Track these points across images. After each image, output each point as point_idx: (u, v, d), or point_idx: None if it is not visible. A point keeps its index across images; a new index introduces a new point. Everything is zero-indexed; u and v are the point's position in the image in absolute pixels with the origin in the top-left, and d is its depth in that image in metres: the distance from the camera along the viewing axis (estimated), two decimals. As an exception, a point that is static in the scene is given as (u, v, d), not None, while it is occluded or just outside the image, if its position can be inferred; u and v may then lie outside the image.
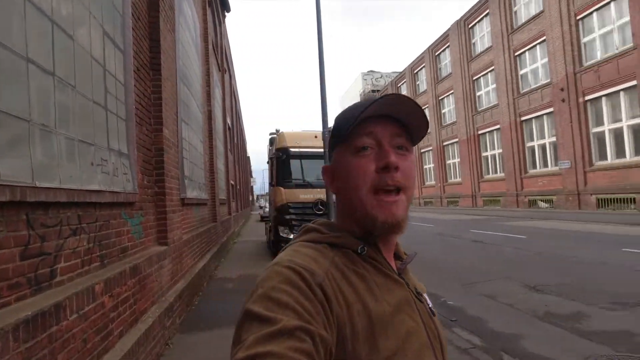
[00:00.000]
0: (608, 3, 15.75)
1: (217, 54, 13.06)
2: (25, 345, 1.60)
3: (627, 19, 14.91)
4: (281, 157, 9.10)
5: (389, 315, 0.56)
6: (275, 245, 9.05)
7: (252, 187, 55.33)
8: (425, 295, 0.71)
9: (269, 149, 11.20)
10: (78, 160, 2.44)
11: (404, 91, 36.03)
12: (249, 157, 49.30)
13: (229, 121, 16.77)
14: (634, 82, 14.68)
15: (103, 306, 2.41)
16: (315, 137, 9.14)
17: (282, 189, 8.93)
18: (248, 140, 54.34)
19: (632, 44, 14.70)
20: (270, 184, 9.64)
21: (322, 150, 7.39)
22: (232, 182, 16.96)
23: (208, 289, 6.00)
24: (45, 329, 1.76)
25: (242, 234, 17.00)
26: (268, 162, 10.55)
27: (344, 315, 0.53)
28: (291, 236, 8.71)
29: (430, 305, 0.69)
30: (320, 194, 8.69)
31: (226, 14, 16.95)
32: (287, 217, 8.75)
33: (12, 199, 1.72)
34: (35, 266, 1.92)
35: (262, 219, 24.60)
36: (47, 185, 2.00)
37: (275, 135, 10.26)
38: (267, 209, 23.28)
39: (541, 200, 19.72)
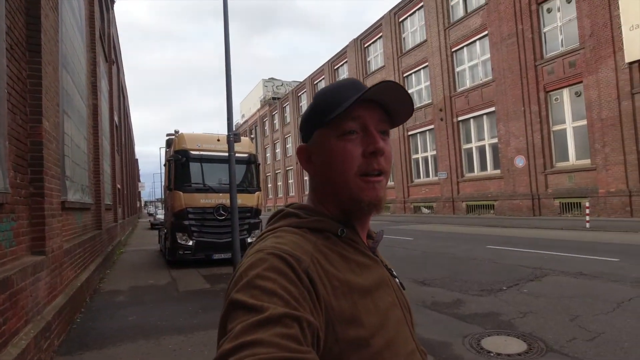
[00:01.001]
0: (474, 41, 18.80)
1: (104, 42, 11.74)
2: None
3: (488, 55, 17.95)
4: (180, 159, 8.56)
5: (371, 293, 0.59)
6: (171, 253, 8.43)
7: (140, 192, 50.52)
8: (394, 271, 0.75)
9: (166, 151, 10.42)
10: None
11: (304, 101, 37.17)
12: (137, 159, 45.03)
13: (116, 119, 15.14)
14: (492, 109, 17.69)
15: (-36, 328, 1.96)
16: (218, 140, 8.85)
17: (180, 193, 8.39)
18: (137, 141, 49.61)
19: (491, 77, 17.73)
20: (168, 188, 8.97)
21: (225, 153, 7.18)
22: (118, 186, 15.30)
23: (93, 305, 5.29)
24: None
25: (130, 242, 15.41)
26: (165, 165, 9.80)
27: (330, 299, 0.54)
28: (190, 242, 8.23)
29: (399, 281, 0.72)
30: (222, 199, 8.43)
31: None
32: (186, 222, 8.25)
33: None
34: None
35: (153, 227, 22.66)
36: None
37: (173, 137, 9.61)
38: (158, 216, 21.51)
39: (424, 207, 22.24)
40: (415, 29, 22.96)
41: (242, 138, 9.55)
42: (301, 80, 39.08)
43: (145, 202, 69.04)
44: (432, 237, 11.66)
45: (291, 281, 0.50)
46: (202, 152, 8.79)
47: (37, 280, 3.31)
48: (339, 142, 0.62)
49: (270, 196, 46.29)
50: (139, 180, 49.80)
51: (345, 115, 0.62)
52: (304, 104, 37.51)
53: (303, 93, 37.38)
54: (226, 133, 7.34)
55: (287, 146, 41.35)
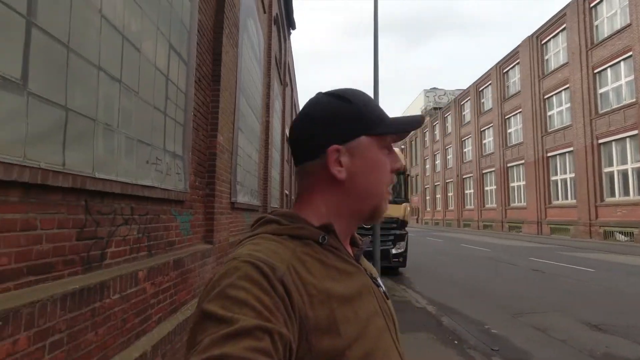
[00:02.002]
0: None
1: (279, 68, 13.69)
2: (70, 314, 1.83)
3: None
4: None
5: (351, 301, 0.58)
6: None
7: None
8: (379, 279, 0.73)
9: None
10: (135, 158, 2.73)
11: (467, 109, 34.74)
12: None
13: (287, 132, 17.40)
14: None
15: (144, 292, 2.63)
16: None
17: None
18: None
19: None
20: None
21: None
22: (286, 191, 17.45)
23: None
24: (89, 304, 1.98)
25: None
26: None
27: (306, 308, 0.52)
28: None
29: (384, 289, 0.71)
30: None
31: (291, 31, 17.73)
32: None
33: (74, 186, 1.98)
34: (89, 247, 2.18)
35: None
36: (105, 177, 2.27)
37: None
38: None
39: (619, 232, 17.71)
40: (614, 12, 18.73)
41: (394, 148, 9.70)
42: (464, 88, 36.74)
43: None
44: (624, 271, 9.19)
45: (265, 290, 0.49)
46: None
47: (204, 264, 4.12)
48: (380, 154, 0.67)
49: (428, 209, 44.75)
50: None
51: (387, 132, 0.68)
52: (467, 113, 35.06)
53: (466, 101, 35.04)
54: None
55: (447, 157, 39.35)
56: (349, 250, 0.68)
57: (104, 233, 2.33)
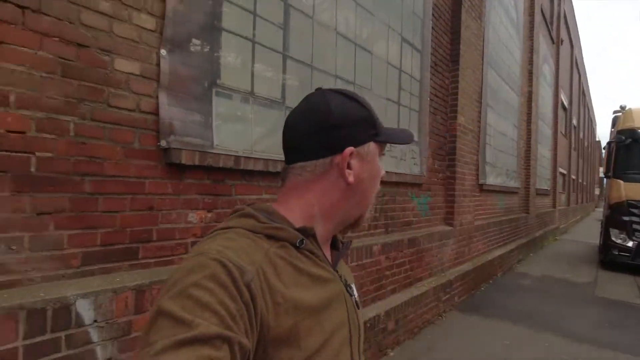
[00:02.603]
0: None
1: (549, 24, 11.54)
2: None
3: None
4: (623, 141, 7.10)
5: (318, 311, 0.56)
6: (603, 251, 7.29)
7: (601, 178, 44.78)
8: (353, 285, 0.71)
9: (611, 131, 8.91)
10: (369, 148, 3.15)
11: None
12: (598, 141, 40.05)
13: (564, 100, 14.50)
14: None
15: (379, 264, 3.04)
16: None
17: (620, 182, 7.00)
18: (598, 122, 43.98)
19: None
20: (606, 175, 7.73)
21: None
22: (562, 170, 14.67)
23: (501, 280, 5.78)
24: (331, 266, 2.53)
25: (571, 231, 14.48)
26: (604, 148, 8.45)
27: (268, 316, 0.50)
28: (629, 243, 6.74)
29: (356, 297, 0.69)
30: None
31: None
32: (626, 218, 6.80)
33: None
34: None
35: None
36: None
37: (619, 114, 8.06)
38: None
39: None
40: None
41: None
42: None
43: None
44: None
45: (230, 295, 0.46)
46: None
47: (443, 245, 4.22)
48: (378, 161, 0.68)
49: None
50: (601, 165, 44.27)
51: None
52: None
53: None
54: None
55: None
56: (328, 254, 0.66)
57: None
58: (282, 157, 0.68)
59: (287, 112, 2.34)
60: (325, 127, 0.61)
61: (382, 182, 2.66)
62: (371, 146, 0.65)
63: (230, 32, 2.01)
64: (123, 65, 1.62)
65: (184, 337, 0.41)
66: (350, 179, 0.62)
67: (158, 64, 1.73)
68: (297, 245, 0.58)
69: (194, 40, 1.86)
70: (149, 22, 1.71)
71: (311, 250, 0.60)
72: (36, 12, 1.40)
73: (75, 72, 1.49)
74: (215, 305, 0.44)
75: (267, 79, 2.24)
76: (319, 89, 0.67)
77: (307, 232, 0.60)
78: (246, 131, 2.10)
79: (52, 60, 1.43)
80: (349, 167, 0.62)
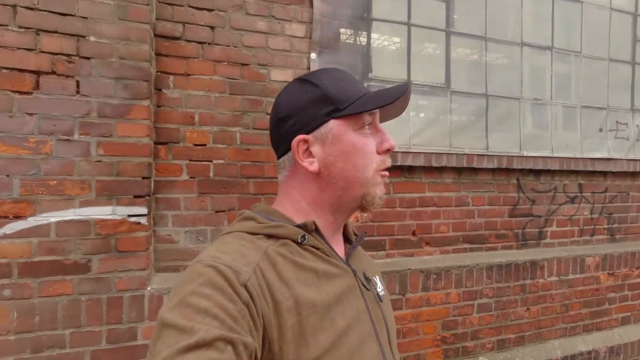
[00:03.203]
0: None
1: None
2: (497, 284, 2.01)
3: None
4: None
5: (326, 308, 0.53)
6: None
7: None
8: (376, 278, 0.68)
9: None
10: (579, 127, 2.41)
11: None
12: None
13: None
14: None
15: (596, 282, 2.29)
16: None
17: None
18: None
19: None
20: None
21: None
22: None
23: None
24: (517, 279, 2.06)
25: None
26: None
27: (271, 315, 0.49)
28: None
29: (378, 290, 0.66)
30: None
31: None
32: None
33: (499, 166, 2.13)
34: (523, 224, 2.24)
35: None
36: (534, 154, 2.23)
37: None
38: None
39: None
40: None
41: None
42: None
43: None
44: None
45: (229, 297, 0.46)
46: None
47: None
48: (359, 136, 0.59)
49: None
50: None
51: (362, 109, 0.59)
52: None
53: None
54: None
55: None
56: (337, 247, 0.63)
57: (541, 211, 2.29)
58: (446, 149, 0.64)
59: (453, 97, 2.05)
60: (276, 121, 0.61)
61: (606, 174, 2.03)
62: (331, 125, 0.59)
63: (381, 20, 1.90)
64: (277, 74, 1.75)
65: (186, 344, 0.42)
66: (313, 167, 0.59)
67: (309, 68, 1.80)
68: (299, 241, 0.57)
69: (342, 37, 1.84)
70: (299, 30, 1.79)
71: (316, 246, 0.59)
72: (211, 45, 1.67)
73: (239, 88, 1.70)
74: (214, 309, 0.45)
75: (426, 63, 2.01)
76: (293, 80, 0.66)
77: (308, 228, 0.58)
78: (402, 123, 1.94)
79: (222, 81, 1.69)
80: (311, 155, 0.59)
